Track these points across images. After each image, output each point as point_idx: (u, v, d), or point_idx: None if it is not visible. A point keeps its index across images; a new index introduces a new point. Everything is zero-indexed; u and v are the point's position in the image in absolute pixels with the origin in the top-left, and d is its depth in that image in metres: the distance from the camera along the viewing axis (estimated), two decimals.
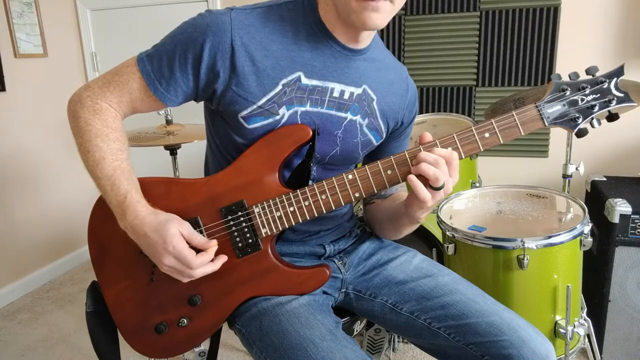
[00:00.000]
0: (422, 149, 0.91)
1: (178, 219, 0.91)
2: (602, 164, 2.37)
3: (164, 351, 1.02)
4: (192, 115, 1.92)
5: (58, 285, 2.88)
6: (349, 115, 1.02)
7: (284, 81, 0.95)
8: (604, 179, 2.04)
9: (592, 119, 0.91)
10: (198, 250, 0.91)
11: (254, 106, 0.95)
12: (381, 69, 1.06)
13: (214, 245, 0.93)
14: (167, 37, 0.96)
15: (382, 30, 2.57)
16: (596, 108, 0.90)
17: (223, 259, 0.95)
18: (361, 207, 1.90)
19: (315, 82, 0.97)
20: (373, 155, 1.14)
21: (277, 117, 0.96)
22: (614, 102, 0.90)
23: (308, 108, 0.97)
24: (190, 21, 0.94)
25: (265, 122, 0.96)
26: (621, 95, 0.90)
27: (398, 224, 1.10)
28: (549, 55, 2.36)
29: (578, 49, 2.33)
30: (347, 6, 0.88)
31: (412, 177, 0.90)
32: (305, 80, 0.96)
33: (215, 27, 0.91)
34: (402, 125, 1.14)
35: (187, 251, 0.88)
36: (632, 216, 1.68)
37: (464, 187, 1.94)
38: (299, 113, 0.97)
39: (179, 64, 0.93)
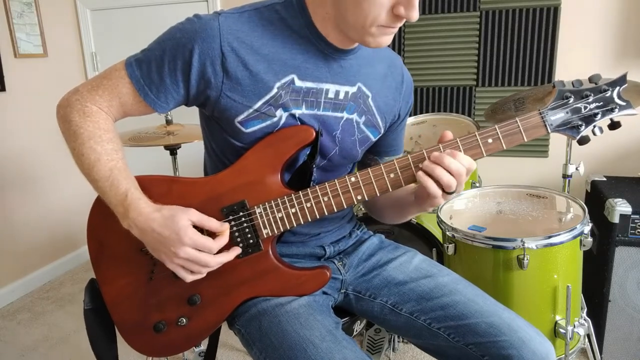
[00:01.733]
0: (442, 149, 0.90)
1: (182, 209, 0.90)
2: (602, 164, 2.37)
3: (162, 350, 1.02)
4: (192, 115, 1.92)
5: (58, 285, 2.88)
6: (345, 115, 1.02)
7: (278, 84, 0.94)
8: (604, 179, 2.04)
9: (594, 126, 0.91)
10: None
11: (250, 110, 0.94)
12: (374, 63, 1.05)
13: (227, 228, 0.93)
14: (155, 42, 0.94)
15: None
16: (599, 116, 0.90)
17: (237, 250, 0.95)
18: (361, 207, 1.91)
19: (309, 84, 0.97)
20: (370, 149, 1.14)
21: (275, 119, 0.96)
22: (617, 110, 0.90)
23: (304, 111, 0.97)
24: (178, 26, 0.93)
25: (263, 124, 0.96)
26: (623, 103, 0.90)
27: (404, 211, 1.10)
28: (549, 55, 2.36)
29: (578, 49, 2.33)
30: (364, 30, 0.88)
31: (422, 175, 0.89)
32: (299, 83, 0.96)
33: (203, 33, 0.90)
34: (399, 117, 1.14)
35: (205, 238, 0.89)
36: (632, 216, 1.68)
37: (464, 187, 1.94)
38: (296, 116, 0.97)
39: (168, 70, 0.92)
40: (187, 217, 0.88)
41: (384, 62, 1.08)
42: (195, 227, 0.90)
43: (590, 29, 2.29)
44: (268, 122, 0.96)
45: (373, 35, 0.89)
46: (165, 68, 0.92)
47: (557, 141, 2.43)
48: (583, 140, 0.93)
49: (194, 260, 0.88)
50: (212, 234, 0.92)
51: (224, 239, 0.92)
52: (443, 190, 0.89)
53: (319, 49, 0.96)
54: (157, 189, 0.97)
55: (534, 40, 2.36)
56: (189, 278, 0.92)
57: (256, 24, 0.94)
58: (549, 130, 0.91)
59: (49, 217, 2.94)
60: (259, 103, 0.94)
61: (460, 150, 0.91)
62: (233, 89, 0.93)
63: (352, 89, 1.01)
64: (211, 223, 0.91)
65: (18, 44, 2.68)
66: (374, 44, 0.91)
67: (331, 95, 0.99)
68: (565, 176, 1.89)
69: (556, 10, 2.30)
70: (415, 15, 0.85)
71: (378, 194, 0.94)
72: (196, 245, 0.88)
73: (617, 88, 0.90)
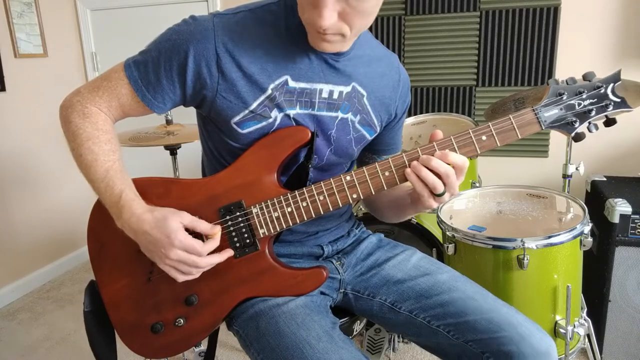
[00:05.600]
0: (437, 149, 0.90)
1: (174, 211, 0.90)
2: (602, 164, 2.37)
3: (160, 351, 1.02)
4: (192, 115, 1.92)
5: (58, 285, 2.88)
6: (340, 114, 1.02)
7: (272, 85, 0.94)
8: (604, 179, 2.04)
9: (589, 123, 0.92)
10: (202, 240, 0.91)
11: (246, 111, 0.95)
12: (370, 63, 1.05)
13: (218, 230, 0.93)
14: (152, 44, 0.95)
15: (381, 30, 2.57)
16: (593, 113, 0.90)
17: (229, 252, 0.95)
18: (360, 207, 1.91)
19: (303, 85, 0.97)
20: (368, 147, 1.14)
21: (270, 120, 0.96)
22: (611, 107, 0.90)
23: (298, 111, 0.97)
24: (174, 28, 0.94)
25: (259, 125, 0.96)
26: (618, 100, 0.90)
27: (401, 211, 1.10)
28: (549, 55, 2.36)
29: (578, 49, 2.32)
30: (308, 32, 0.91)
31: (409, 172, 0.90)
32: (292, 84, 0.96)
33: (198, 35, 0.91)
34: (396, 116, 1.13)
35: (194, 240, 0.89)
36: (632, 216, 1.68)
37: (464, 187, 1.94)
38: (291, 116, 0.97)
39: (164, 71, 0.93)
40: (179, 219, 0.89)
41: (381, 61, 1.08)
42: (188, 229, 0.90)
43: (590, 29, 2.29)
44: (264, 123, 0.96)
45: (313, 38, 0.90)
46: (162, 69, 0.93)
47: (557, 141, 2.43)
48: (578, 137, 0.93)
49: (184, 261, 0.89)
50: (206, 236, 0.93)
51: (214, 242, 0.92)
52: (430, 192, 0.89)
53: (312, 49, 0.96)
54: (156, 190, 0.97)
55: (534, 40, 2.36)
56: (181, 278, 0.92)
57: (250, 25, 0.94)
58: (543, 127, 0.91)
59: (49, 217, 2.94)
60: (254, 104, 0.94)
61: (454, 147, 0.90)
62: (228, 90, 0.93)
63: (347, 89, 1.01)
64: (202, 226, 0.92)
65: (18, 44, 2.69)
66: (318, 48, 0.92)
67: (325, 95, 0.99)
68: (565, 176, 1.89)
69: (556, 10, 2.30)
70: (321, 22, 0.83)
71: (373, 192, 0.94)
72: (186, 248, 0.88)
73: (611, 85, 0.90)
